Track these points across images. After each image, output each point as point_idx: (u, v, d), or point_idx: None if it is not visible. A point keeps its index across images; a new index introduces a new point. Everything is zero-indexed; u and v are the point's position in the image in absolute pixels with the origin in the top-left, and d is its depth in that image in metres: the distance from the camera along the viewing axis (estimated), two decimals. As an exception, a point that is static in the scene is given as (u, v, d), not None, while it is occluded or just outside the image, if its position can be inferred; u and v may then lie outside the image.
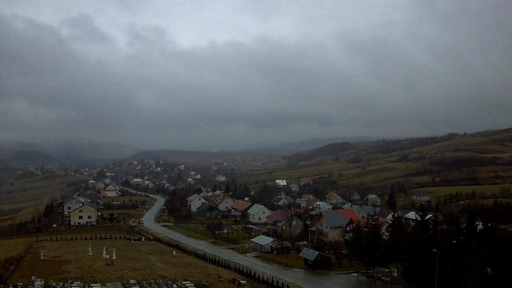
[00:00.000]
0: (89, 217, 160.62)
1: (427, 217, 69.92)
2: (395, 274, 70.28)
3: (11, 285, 55.46)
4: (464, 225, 69.26)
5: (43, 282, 57.84)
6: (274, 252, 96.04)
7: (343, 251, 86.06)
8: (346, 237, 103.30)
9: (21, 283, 56.79)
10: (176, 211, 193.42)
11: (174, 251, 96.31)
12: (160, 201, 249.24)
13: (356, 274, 74.41)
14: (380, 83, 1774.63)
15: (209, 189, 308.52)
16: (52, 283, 57.15)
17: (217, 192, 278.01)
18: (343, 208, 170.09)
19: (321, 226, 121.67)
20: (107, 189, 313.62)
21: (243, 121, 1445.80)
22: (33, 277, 60.68)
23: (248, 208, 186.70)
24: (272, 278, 64.32)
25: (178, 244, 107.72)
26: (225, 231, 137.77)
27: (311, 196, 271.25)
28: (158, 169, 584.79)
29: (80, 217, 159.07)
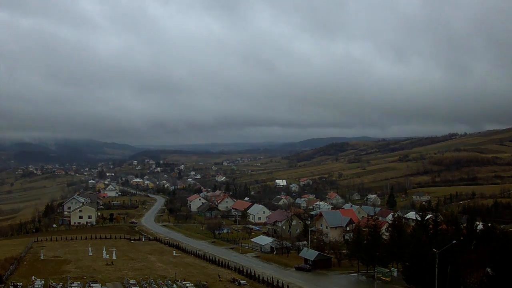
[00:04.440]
0: (89, 217, 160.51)
1: (427, 217, 70.00)
2: (395, 274, 70.27)
3: (11, 285, 55.42)
4: (464, 225, 69.44)
5: (43, 282, 57.82)
6: (274, 252, 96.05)
7: (343, 251, 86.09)
8: (346, 237, 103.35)
9: (21, 283, 56.77)
10: (176, 211, 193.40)
11: (174, 251, 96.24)
12: (160, 201, 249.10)
13: (356, 274, 74.43)
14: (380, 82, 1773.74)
15: (209, 189, 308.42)
16: (52, 283, 57.12)
17: (217, 192, 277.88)
18: (343, 208, 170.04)
19: (321, 226, 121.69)
20: (107, 189, 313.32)
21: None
22: (33, 277, 60.65)
23: (248, 208, 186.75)
24: (272, 278, 64.33)
25: (178, 244, 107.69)
26: (225, 231, 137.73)
27: (311, 196, 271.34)
28: (158, 169, 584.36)
29: (80, 217, 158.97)
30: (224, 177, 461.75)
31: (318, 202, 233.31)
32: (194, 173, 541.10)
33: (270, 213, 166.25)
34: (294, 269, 78.10)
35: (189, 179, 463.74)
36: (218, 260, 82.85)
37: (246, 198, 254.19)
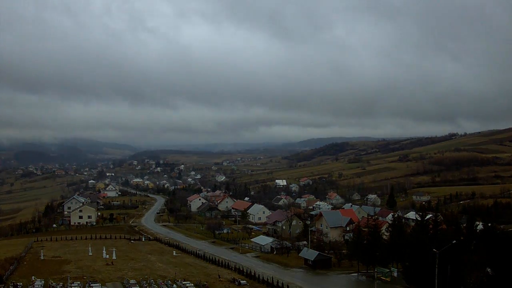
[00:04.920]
0: (89, 217, 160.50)
1: (427, 217, 69.99)
2: (395, 274, 70.26)
3: (11, 285, 55.44)
4: (464, 225, 69.33)
5: (43, 282, 57.83)
6: (274, 252, 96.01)
7: (343, 251, 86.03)
8: (346, 237, 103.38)
9: (21, 283, 56.78)
10: (176, 211, 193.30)
11: (174, 251, 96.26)
12: (160, 201, 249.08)
13: (356, 274, 74.42)
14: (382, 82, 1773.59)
15: (209, 189, 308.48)
16: (52, 283, 57.13)
17: (217, 192, 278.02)
18: (343, 208, 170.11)
19: (321, 226, 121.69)
20: (107, 189, 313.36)
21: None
22: (33, 277, 60.66)
23: (248, 208, 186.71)
24: (272, 278, 64.33)
25: (178, 244, 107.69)
26: (225, 231, 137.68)
27: (311, 196, 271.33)
28: (158, 169, 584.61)
29: (80, 217, 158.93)
30: (224, 177, 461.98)
31: (318, 202, 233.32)
32: (194, 173, 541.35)
33: (270, 213, 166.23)
34: (294, 269, 78.14)
35: (189, 179, 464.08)
36: (218, 260, 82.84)
37: (246, 198, 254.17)
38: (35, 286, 55.87)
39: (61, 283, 57.69)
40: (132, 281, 59.88)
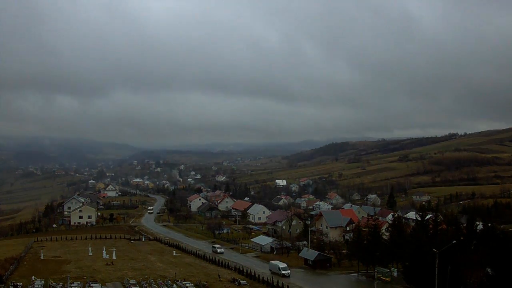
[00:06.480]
0: (89, 217, 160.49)
1: (427, 217, 70.11)
2: (395, 274, 70.28)
3: (11, 285, 55.47)
4: (464, 225, 69.35)
5: (43, 282, 57.87)
6: (274, 252, 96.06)
7: (343, 251, 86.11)
8: (346, 237, 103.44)
9: (21, 283, 56.82)
10: (176, 211, 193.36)
11: (174, 251, 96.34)
12: (160, 201, 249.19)
13: (356, 274, 74.44)
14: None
15: (209, 189, 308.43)
16: (52, 283, 57.17)
17: (217, 192, 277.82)
18: (343, 208, 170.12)
19: (321, 226, 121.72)
20: (107, 189, 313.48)
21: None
22: (33, 277, 60.70)
23: (248, 208, 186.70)
24: (272, 278, 64.34)
25: (178, 244, 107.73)
26: (225, 231, 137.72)
27: (311, 196, 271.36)
28: (158, 169, 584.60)
29: (80, 217, 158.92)
30: (224, 177, 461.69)
31: (318, 202, 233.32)
32: (194, 173, 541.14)
33: (270, 213, 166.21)
34: (294, 269, 78.15)
35: (189, 179, 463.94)
36: (218, 260, 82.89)
37: (246, 198, 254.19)
38: (35, 286, 55.90)
39: (61, 283, 57.72)
40: (132, 281, 59.90)
